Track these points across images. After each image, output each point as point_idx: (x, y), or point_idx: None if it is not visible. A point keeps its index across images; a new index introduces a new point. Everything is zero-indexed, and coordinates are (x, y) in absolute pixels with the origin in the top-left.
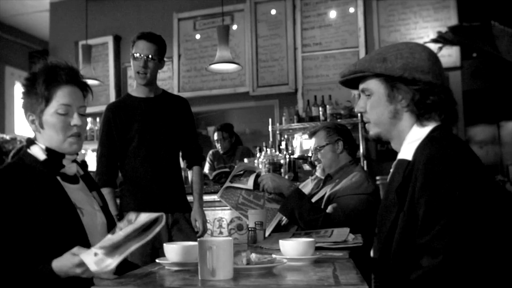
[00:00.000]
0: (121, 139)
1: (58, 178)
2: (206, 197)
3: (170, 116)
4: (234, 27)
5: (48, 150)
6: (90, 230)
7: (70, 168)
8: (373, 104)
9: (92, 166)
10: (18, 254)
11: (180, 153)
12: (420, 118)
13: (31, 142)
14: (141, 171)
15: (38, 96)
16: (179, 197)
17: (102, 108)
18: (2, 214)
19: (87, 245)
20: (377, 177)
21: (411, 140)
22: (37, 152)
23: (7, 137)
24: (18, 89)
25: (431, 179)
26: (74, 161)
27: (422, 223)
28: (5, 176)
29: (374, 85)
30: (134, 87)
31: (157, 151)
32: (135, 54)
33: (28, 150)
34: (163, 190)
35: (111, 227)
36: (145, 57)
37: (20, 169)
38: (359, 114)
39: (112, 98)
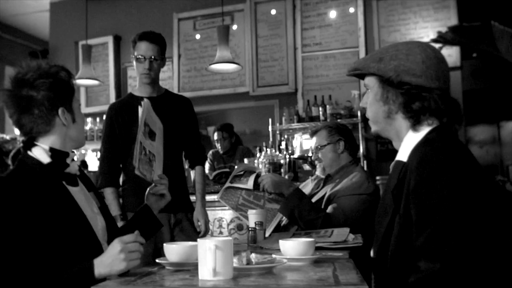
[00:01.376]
0: (124, 138)
1: (64, 182)
2: (206, 197)
3: (173, 115)
4: (234, 27)
5: (52, 151)
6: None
7: (74, 166)
8: (370, 102)
9: (92, 166)
10: (34, 263)
11: (183, 153)
12: (411, 121)
13: (31, 144)
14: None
15: (69, 88)
16: (182, 197)
17: (102, 108)
18: (12, 224)
19: (99, 249)
20: (377, 177)
21: (407, 141)
22: (40, 154)
23: (7, 137)
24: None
25: (423, 181)
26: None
27: (416, 225)
28: (11, 184)
29: (371, 82)
30: (137, 87)
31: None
32: (138, 57)
33: (29, 153)
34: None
35: (110, 229)
36: (149, 59)
37: (25, 176)
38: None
39: (112, 98)
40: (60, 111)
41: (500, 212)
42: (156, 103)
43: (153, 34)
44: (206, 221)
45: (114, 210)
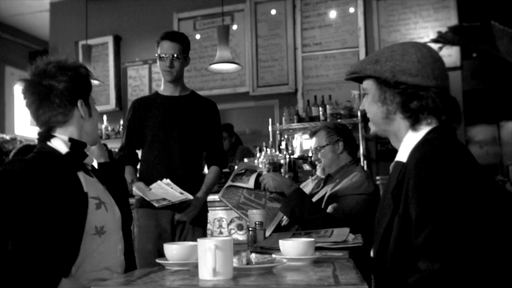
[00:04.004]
0: (138, 135)
1: (80, 173)
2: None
3: (191, 116)
4: (234, 27)
5: (72, 141)
6: (111, 224)
7: (91, 159)
8: (369, 104)
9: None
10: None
11: (203, 156)
12: (410, 120)
13: (48, 135)
14: (154, 169)
15: (88, 83)
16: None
17: (102, 108)
18: (24, 208)
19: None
20: (377, 177)
21: (407, 141)
22: (59, 145)
23: (7, 137)
24: (18, 89)
25: (421, 181)
26: None
27: (415, 225)
28: (28, 166)
29: (368, 85)
30: (162, 86)
31: (170, 150)
32: (161, 55)
33: (49, 143)
34: None
35: (124, 220)
36: (170, 57)
37: (42, 164)
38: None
39: (112, 98)
40: (79, 103)
41: (500, 212)
42: (177, 103)
43: (174, 33)
44: (191, 210)
45: (129, 178)
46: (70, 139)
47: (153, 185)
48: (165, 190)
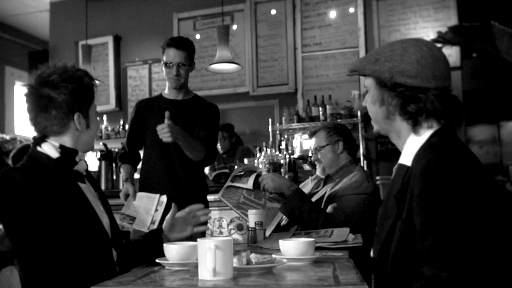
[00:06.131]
0: (139, 136)
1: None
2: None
3: (190, 120)
4: (234, 27)
5: (62, 148)
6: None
7: (82, 165)
8: (369, 103)
9: (92, 166)
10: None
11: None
12: (409, 122)
13: (41, 140)
14: (153, 171)
15: (90, 94)
16: (187, 200)
17: (102, 108)
18: (29, 214)
19: (108, 242)
20: (377, 177)
21: (410, 145)
22: (49, 150)
23: (7, 137)
24: (18, 89)
25: (427, 188)
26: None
27: (421, 231)
28: (26, 174)
29: (369, 83)
30: (166, 90)
31: (169, 152)
32: (167, 62)
33: (39, 148)
34: (171, 191)
35: (113, 228)
36: (176, 65)
37: (39, 168)
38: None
39: (112, 98)
40: (76, 116)
41: (505, 217)
42: (178, 107)
43: (180, 40)
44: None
45: (124, 176)
46: (61, 146)
47: (140, 194)
48: (146, 204)
